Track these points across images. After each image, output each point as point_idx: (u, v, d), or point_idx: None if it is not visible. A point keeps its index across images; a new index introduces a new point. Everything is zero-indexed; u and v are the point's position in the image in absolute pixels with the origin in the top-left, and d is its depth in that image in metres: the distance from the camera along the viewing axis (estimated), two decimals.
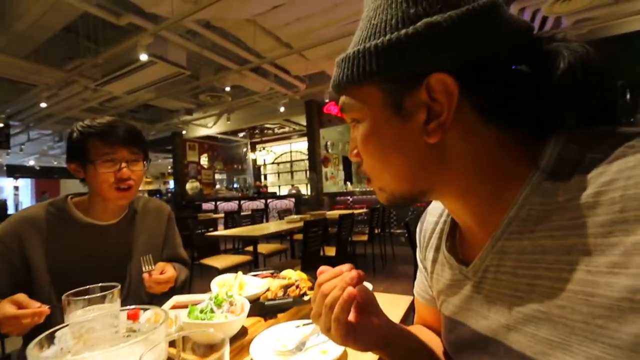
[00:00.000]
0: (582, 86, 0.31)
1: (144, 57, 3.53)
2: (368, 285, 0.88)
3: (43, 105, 5.14)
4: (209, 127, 8.03)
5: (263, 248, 3.42)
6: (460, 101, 0.32)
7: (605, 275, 0.26)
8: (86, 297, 0.53)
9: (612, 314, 0.25)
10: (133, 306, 0.44)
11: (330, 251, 3.22)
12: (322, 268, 0.45)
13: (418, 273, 0.58)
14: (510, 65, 0.33)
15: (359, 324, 0.42)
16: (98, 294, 0.54)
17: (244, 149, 10.93)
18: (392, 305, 0.82)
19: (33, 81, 4.66)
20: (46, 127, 7.51)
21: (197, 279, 3.67)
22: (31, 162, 11.37)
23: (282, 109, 6.39)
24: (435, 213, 0.51)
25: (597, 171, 0.28)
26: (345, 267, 0.42)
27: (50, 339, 0.36)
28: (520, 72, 0.33)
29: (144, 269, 0.92)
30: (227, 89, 5.14)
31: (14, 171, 11.55)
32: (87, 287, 0.57)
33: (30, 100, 5.43)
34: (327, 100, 5.67)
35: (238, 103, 6.40)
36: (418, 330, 0.58)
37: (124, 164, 0.91)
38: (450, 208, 0.42)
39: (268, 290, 0.84)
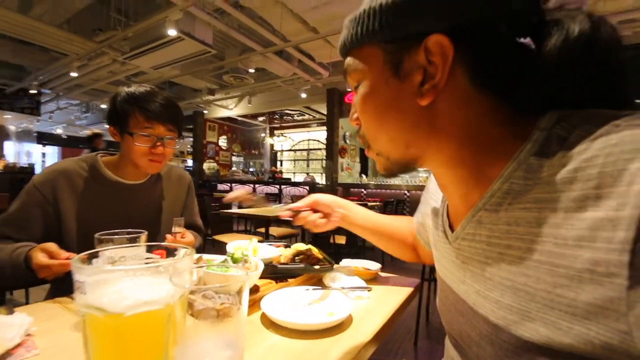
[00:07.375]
0: (577, 65, 0.31)
1: (172, 32, 3.57)
2: (377, 265, 0.91)
3: (73, 74, 5.30)
4: (229, 108, 8.12)
5: (274, 231, 3.48)
6: (454, 66, 0.33)
7: (572, 247, 0.26)
8: (116, 236, 0.57)
9: (572, 284, 0.26)
10: (160, 243, 0.47)
11: (341, 239, 3.24)
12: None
13: (418, 212, 0.69)
14: (508, 34, 0.32)
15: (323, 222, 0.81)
16: (126, 236, 0.58)
17: (262, 134, 11.01)
18: (396, 287, 0.84)
19: (65, 50, 4.81)
20: (75, 97, 7.77)
21: (209, 253, 3.78)
22: (59, 131, 11.82)
23: (303, 95, 6.38)
24: None
25: (580, 148, 0.28)
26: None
27: (91, 259, 0.39)
28: (517, 43, 0.32)
29: (173, 229, 0.97)
30: (251, 70, 5.16)
31: (43, 138, 12.05)
32: (116, 231, 0.60)
33: (62, 69, 5.62)
34: (349, 90, 5.61)
35: (260, 86, 6.43)
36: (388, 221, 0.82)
37: (159, 142, 0.95)
38: (440, 181, 0.43)
39: (281, 256, 0.87)
